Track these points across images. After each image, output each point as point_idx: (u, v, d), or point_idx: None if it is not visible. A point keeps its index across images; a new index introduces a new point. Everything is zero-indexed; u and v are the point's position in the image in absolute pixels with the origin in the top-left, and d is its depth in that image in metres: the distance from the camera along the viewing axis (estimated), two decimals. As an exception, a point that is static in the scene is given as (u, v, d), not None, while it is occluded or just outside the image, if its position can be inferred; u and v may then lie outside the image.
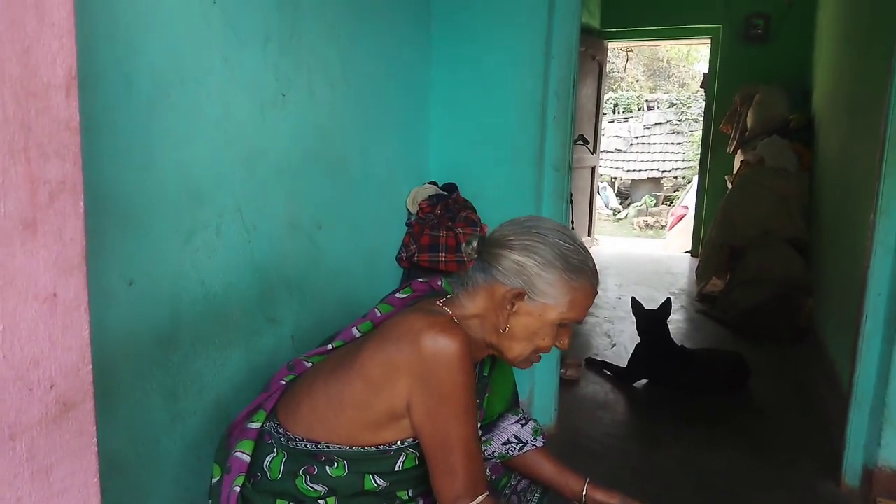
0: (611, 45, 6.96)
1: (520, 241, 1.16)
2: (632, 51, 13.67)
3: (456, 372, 1.08)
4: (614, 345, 3.95)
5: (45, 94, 0.73)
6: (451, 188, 2.52)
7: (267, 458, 1.20)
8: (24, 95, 0.69)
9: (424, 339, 1.08)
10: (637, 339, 3.48)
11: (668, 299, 3.47)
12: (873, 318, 2.22)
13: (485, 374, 1.33)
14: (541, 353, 1.21)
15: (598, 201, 11.36)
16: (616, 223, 12.40)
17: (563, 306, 1.15)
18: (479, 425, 1.32)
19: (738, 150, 5.50)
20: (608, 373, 3.48)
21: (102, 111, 1.16)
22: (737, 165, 5.48)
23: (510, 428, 1.41)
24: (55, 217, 0.76)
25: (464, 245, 1.22)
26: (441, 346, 1.07)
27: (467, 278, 1.21)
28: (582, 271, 1.15)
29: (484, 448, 1.40)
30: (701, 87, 7.00)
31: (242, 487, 1.18)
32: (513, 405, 1.45)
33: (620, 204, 13.53)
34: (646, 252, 7.47)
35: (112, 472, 1.29)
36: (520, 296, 1.14)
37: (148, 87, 1.25)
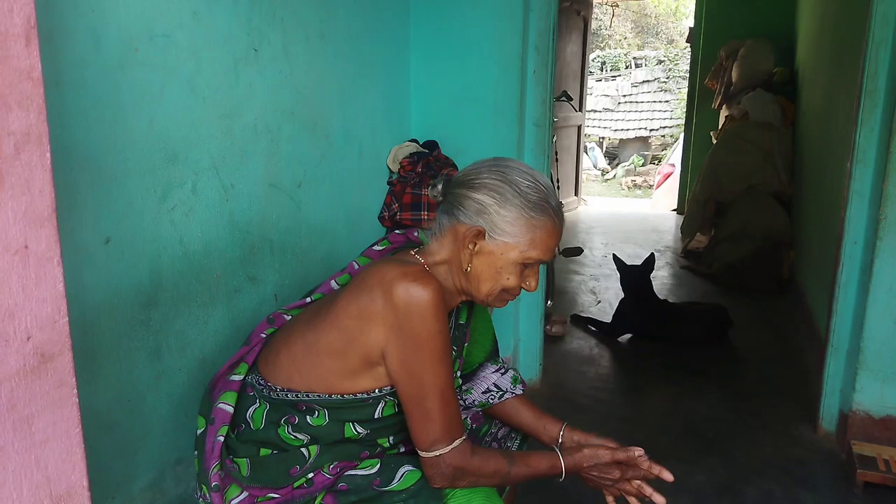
0: None
1: (481, 179, 1.17)
2: (617, 6, 13.49)
3: (429, 320, 1.09)
4: (599, 301, 4.00)
5: (3, 44, 0.72)
6: (431, 146, 2.51)
7: (250, 409, 1.22)
8: (-20, 43, 0.68)
9: (397, 288, 1.09)
10: (622, 296, 3.52)
11: (652, 255, 3.50)
12: (849, 265, 2.26)
13: (461, 322, 1.35)
14: (511, 294, 1.22)
15: (586, 161, 11.34)
16: (604, 183, 12.40)
17: (524, 244, 1.16)
18: (458, 374, 1.35)
19: (724, 106, 5.50)
20: (593, 329, 3.53)
21: (70, 67, 1.15)
22: (722, 121, 5.48)
23: (490, 377, 1.44)
24: (22, 169, 0.76)
25: (429, 188, 1.23)
26: (413, 295, 1.09)
27: (435, 223, 1.22)
28: (543, 209, 1.16)
29: (465, 397, 1.43)
30: (687, 41, 6.94)
31: (226, 437, 1.21)
32: (493, 355, 1.47)
33: (609, 164, 13.51)
34: (633, 211, 7.50)
35: (99, 430, 1.31)
36: (480, 234, 1.15)
37: (116, 42, 1.23)
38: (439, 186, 1.21)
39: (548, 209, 1.17)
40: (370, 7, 2.23)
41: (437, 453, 1.13)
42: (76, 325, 0.86)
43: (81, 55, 1.17)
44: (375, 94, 2.32)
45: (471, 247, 1.16)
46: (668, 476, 1.26)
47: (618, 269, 3.52)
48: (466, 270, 1.18)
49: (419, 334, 1.09)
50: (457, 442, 1.14)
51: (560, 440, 1.37)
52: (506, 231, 1.15)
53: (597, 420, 2.58)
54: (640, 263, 3.46)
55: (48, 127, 0.77)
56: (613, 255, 3.60)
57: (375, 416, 1.19)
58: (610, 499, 1.32)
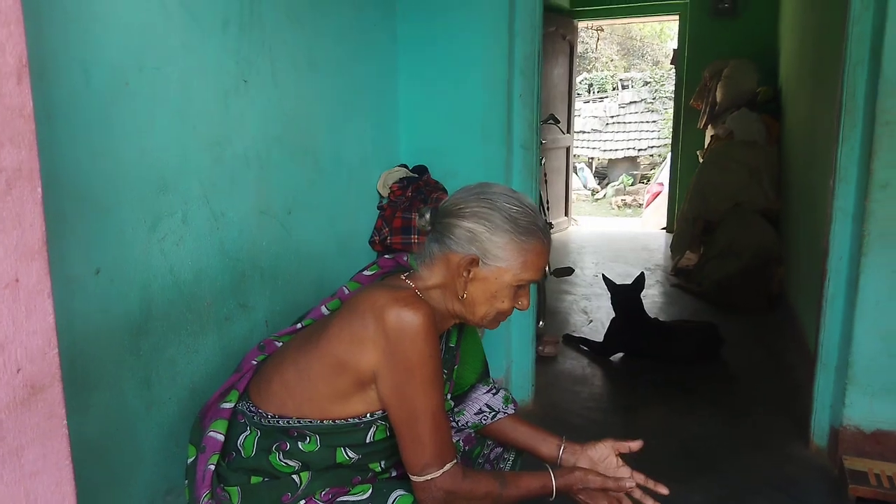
0: (581, 24, 6.98)
1: (469, 208, 1.19)
2: (602, 30, 13.69)
3: (421, 345, 1.11)
4: (591, 321, 4.01)
5: (-5, 82, 0.74)
6: (421, 170, 2.54)
7: (240, 437, 1.23)
8: (-27, 83, 0.70)
9: (388, 313, 1.11)
10: (613, 315, 3.53)
11: (642, 274, 3.53)
12: (835, 281, 2.28)
13: (451, 345, 1.36)
14: (504, 315, 1.25)
15: (576, 182, 11.43)
16: (595, 203, 12.48)
17: (516, 268, 1.19)
18: (449, 396, 1.36)
19: (709, 125, 5.57)
20: (585, 348, 3.54)
21: (61, 100, 1.16)
22: (708, 140, 5.55)
23: (482, 398, 1.45)
24: (13, 204, 0.77)
25: (417, 217, 1.25)
26: (405, 320, 1.10)
27: (424, 251, 1.24)
28: (532, 232, 1.19)
29: (457, 418, 1.44)
30: (671, 63, 7.05)
31: (217, 466, 1.21)
32: (483, 376, 1.48)
33: (598, 184, 13.60)
34: (623, 230, 7.54)
35: (90, 460, 1.30)
36: (474, 262, 1.18)
37: (106, 75, 1.25)
38: (427, 216, 1.23)
39: (536, 232, 1.20)
40: (358, 34, 2.27)
41: (428, 477, 1.13)
42: (66, 356, 0.86)
43: (72, 89, 1.18)
44: (364, 120, 2.35)
45: (465, 274, 1.18)
46: (663, 490, 1.29)
47: (608, 289, 3.54)
48: (462, 297, 1.20)
49: (410, 359, 1.10)
50: (448, 465, 1.15)
51: (561, 450, 1.39)
52: (498, 256, 1.18)
53: (590, 440, 2.57)
54: (630, 283, 3.48)
55: (39, 162, 0.78)
56: (603, 275, 3.63)
57: (367, 441, 1.20)
58: None
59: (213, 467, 1.20)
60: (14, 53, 0.76)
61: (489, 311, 1.22)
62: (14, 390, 0.78)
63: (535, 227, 1.20)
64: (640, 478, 1.32)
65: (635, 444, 1.36)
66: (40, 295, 0.80)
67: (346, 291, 1.34)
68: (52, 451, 0.84)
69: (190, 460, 1.24)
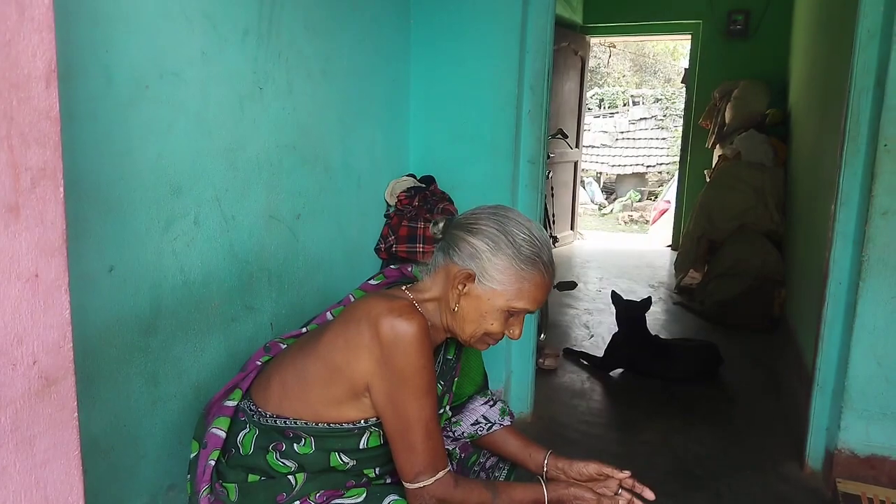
0: (594, 40, 7.02)
1: (478, 225, 1.21)
2: (615, 46, 13.75)
3: (414, 355, 1.13)
4: (592, 336, 4.03)
5: (25, 85, 0.78)
6: (428, 180, 2.57)
7: (240, 434, 1.25)
8: (6, 86, 0.73)
9: (383, 323, 1.13)
10: (615, 331, 3.55)
11: (649, 297, 3.55)
12: (834, 305, 2.30)
13: (449, 357, 1.38)
14: (493, 339, 1.25)
15: (584, 196, 11.45)
16: (601, 218, 12.49)
17: (510, 294, 1.19)
18: (448, 407, 1.38)
19: (717, 145, 5.60)
20: (585, 363, 3.56)
21: (83, 102, 1.21)
22: (715, 160, 5.57)
23: (479, 409, 1.47)
24: (37, 202, 0.80)
25: (432, 224, 1.28)
26: (399, 330, 1.12)
27: (432, 260, 1.27)
28: (534, 263, 1.19)
29: (454, 428, 1.46)
30: (682, 82, 7.08)
31: (217, 462, 1.24)
32: (482, 388, 1.51)
33: (606, 199, 13.62)
34: (628, 246, 7.55)
35: (96, 453, 1.33)
36: (470, 277, 1.19)
37: (127, 80, 1.29)
38: (440, 224, 1.25)
39: (538, 263, 1.20)
40: (372, 46, 2.31)
41: (421, 485, 1.16)
42: (78, 350, 0.89)
43: (94, 92, 1.22)
44: (375, 129, 2.39)
45: (460, 287, 1.20)
46: (649, 494, 1.33)
47: (614, 303, 3.56)
48: (454, 310, 1.21)
49: (404, 369, 1.13)
50: (440, 474, 1.17)
51: (545, 467, 1.40)
52: (495, 278, 1.18)
53: (587, 455, 2.57)
54: (637, 301, 3.51)
55: (62, 162, 0.82)
56: (612, 291, 3.65)
57: (360, 447, 1.22)
58: None
59: (213, 463, 1.22)
60: (44, 59, 0.80)
61: (476, 331, 1.22)
62: (29, 381, 0.81)
63: (538, 258, 1.19)
64: (627, 483, 1.34)
65: (622, 474, 1.35)
66: (58, 290, 0.84)
67: (352, 299, 1.37)
68: (62, 441, 0.87)
69: (192, 455, 1.27)
